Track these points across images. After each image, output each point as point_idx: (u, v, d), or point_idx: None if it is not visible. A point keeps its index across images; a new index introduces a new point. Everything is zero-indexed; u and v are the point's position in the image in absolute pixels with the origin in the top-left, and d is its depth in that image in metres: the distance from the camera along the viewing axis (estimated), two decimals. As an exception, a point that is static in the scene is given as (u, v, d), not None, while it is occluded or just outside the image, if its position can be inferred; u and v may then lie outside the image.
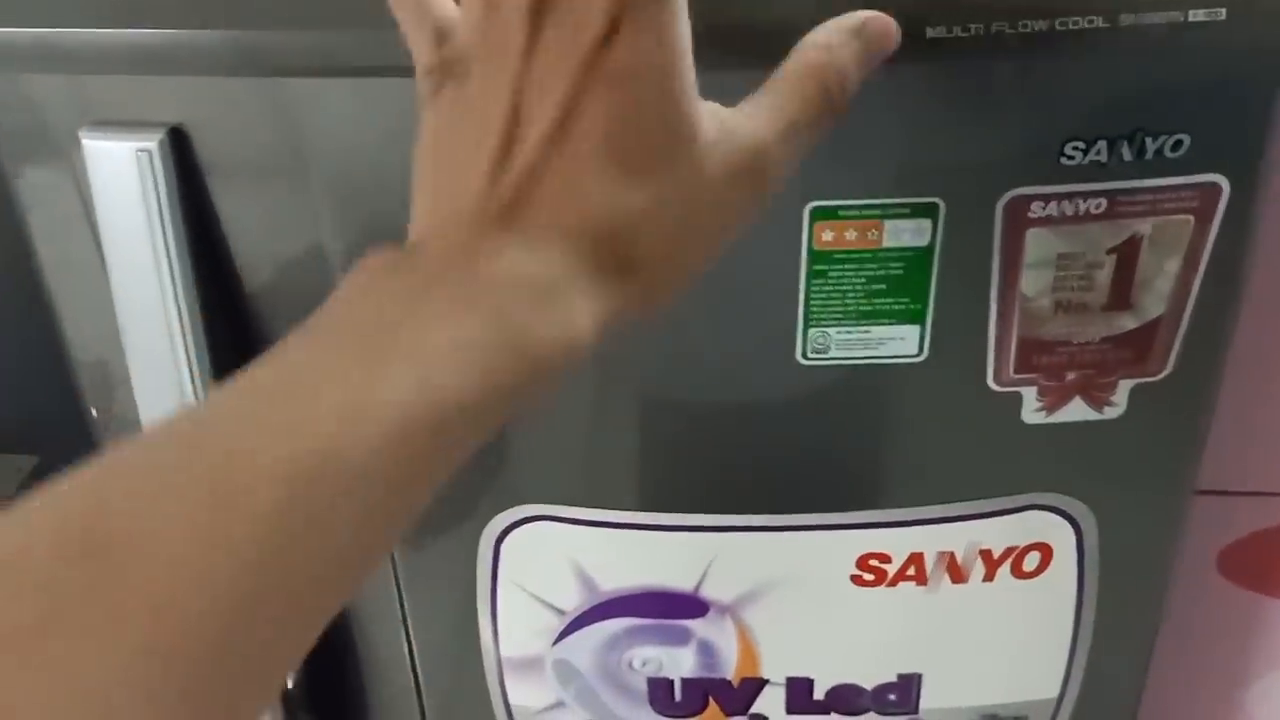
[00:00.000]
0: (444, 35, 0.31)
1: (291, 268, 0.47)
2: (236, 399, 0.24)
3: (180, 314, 0.46)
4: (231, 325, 0.48)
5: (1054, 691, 0.55)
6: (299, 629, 0.23)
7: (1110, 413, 0.47)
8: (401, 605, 0.55)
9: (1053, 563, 0.51)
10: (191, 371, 0.48)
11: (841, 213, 0.43)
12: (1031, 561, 0.51)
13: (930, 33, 0.39)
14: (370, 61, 0.40)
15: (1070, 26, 0.39)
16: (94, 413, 0.56)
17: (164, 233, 0.45)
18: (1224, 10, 0.38)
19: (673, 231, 0.29)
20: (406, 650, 0.57)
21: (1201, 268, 0.44)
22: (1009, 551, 0.51)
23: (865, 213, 0.43)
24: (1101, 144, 0.41)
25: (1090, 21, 0.39)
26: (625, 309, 0.28)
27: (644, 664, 0.54)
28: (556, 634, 0.54)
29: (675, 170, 0.28)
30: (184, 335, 0.47)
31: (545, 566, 0.52)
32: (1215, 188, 0.42)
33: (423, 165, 0.31)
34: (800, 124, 0.30)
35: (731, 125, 0.30)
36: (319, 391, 0.24)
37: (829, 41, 0.32)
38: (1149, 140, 0.41)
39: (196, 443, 0.23)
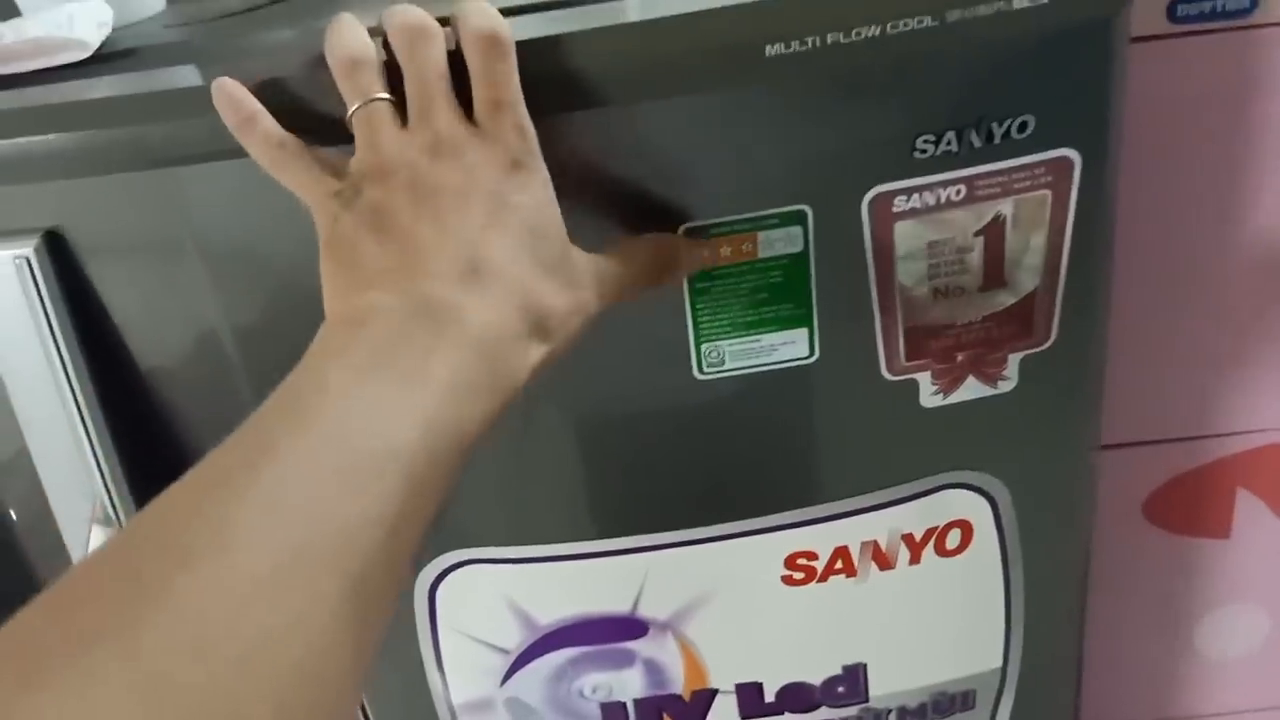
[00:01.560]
0: (335, 171, 0.38)
1: (187, 350, 0.47)
2: (316, 416, 0.31)
3: (81, 413, 0.46)
4: (134, 413, 0.48)
5: (997, 661, 0.57)
6: (406, 555, 0.31)
7: (1004, 386, 0.49)
8: (349, 667, 0.55)
9: (974, 537, 0.53)
10: (101, 469, 0.48)
11: (713, 231, 0.44)
12: (953, 539, 0.52)
13: (770, 50, 0.41)
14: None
15: (901, 28, 0.40)
16: (13, 515, 0.56)
17: (53, 336, 0.45)
18: (1044, -7, 0.39)
19: (573, 303, 0.38)
20: (359, 709, 0.57)
21: (1067, 238, 0.46)
22: (930, 533, 0.52)
23: (736, 227, 0.44)
24: (950, 134, 0.43)
25: (920, 21, 0.40)
26: (545, 358, 0.37)
27: (594, 690, 0.55)
28: (503, 673, 0.55)
29: (566, 272, 0.38)
30: (88, 433, 0.47)
31: (482, 608, 0.53)
32: (1066, 161, 0.44)
33: (339, 260, 0.37)
34: (643, 275, 0.42)
35: (596, 260, 0.40)
36: (380, 411, 0.32)
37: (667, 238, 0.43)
38: (995, 125, 0.43)
39: (324, 439, 0.31)
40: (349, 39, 0.39)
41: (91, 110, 0.42)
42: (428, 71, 0.38)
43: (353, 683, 0.29)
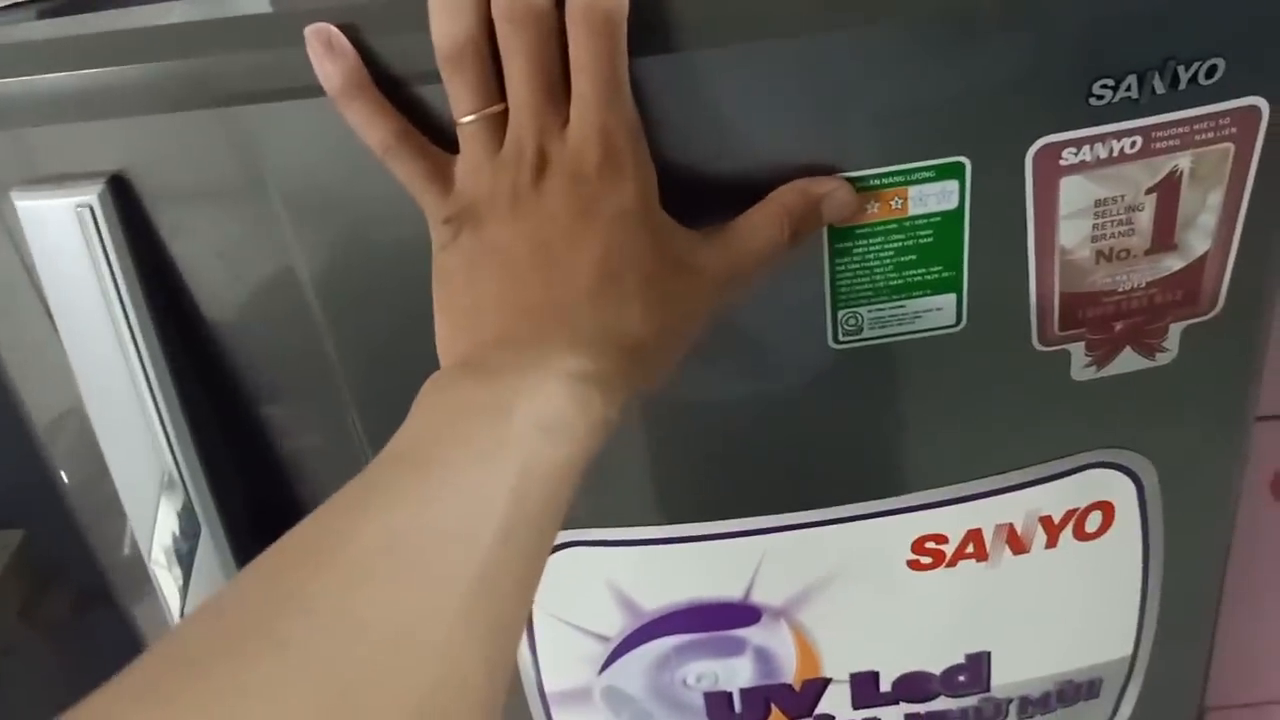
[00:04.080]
0: (448, 185, 0.36)
1: (263, 305, 0.43)
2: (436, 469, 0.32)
3: (144, 369, 0.42)
4: (202, 373, 0.44)
5: (1127, 649, 0.53)
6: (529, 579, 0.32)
7: (1163, 359, 0.45)
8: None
9: (1115, 520, 0.49)
10: (168, 434, 0.44)
11: (859, 185, 0.40)
12: (1094, 522, 0.49)
13: (935, -21, 0.36)
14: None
15: (1087, -47, 0.36)
16: (66, 478, 0.52)
17: (116, 289, 0.41)
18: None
19: (664, 334, 0.36)
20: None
21: (1246, 196, 0.41)
22: (1070, 515, 0.48)
23: (885, 181, 0.40)
24: (1131, 79, 0.38)
25: (1109, -55, 0.36)
26: (637, 388, 0.37)
27: (699, 679, 0.52)
28: (602, 661, 0.51)
29: (663, 289, 0.36)
30: (150, 390, 0.43)
31: (582, 594, 0.49)
32: (1254, 111, 0.39)
33: (450, 297, 0.37)
34: (762, 257, 0.38)
35: (707, 258, 0.37)
36: (488, 461, 0.32)
37: (797, 198, 0.38)
38: (1181, 69, 0.38)
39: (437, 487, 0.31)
40: (454, 17, 0.33)
41: (162, 39, 0.37)
42: (523, 78, 0.34)
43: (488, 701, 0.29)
